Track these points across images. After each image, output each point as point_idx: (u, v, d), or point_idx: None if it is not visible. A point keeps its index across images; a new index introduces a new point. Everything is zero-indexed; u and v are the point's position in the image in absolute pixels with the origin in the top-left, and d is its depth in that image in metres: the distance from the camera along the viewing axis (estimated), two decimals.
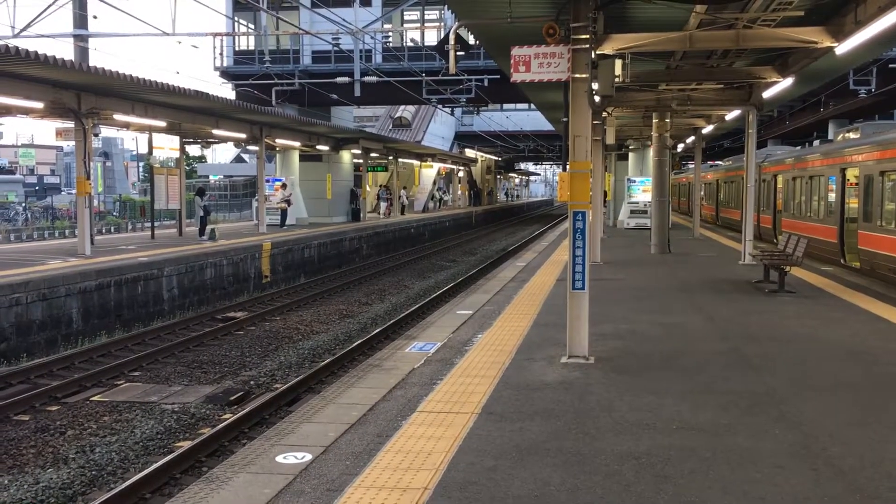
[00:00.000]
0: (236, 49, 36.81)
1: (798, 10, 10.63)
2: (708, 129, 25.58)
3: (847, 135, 20.07)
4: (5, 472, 7.98)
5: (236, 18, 35.88)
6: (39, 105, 16.17)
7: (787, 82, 14.78)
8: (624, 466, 5.06)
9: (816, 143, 26.60)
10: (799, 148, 29.30)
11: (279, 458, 5.24)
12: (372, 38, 33.85)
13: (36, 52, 13.23)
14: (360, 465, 5.09)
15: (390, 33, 37.37)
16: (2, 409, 9.82)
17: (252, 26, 36.79)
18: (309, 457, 5.24)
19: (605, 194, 29.38)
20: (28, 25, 24.39)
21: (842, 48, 10.78)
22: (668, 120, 20.29)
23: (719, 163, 43.21)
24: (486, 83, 32.95)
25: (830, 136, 32.58)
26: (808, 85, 21.41)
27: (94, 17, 26.73)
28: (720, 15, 10.90)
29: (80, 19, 26.55)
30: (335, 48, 33.28)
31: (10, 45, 12.95)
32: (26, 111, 17.08)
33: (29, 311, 12.96)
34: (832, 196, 19.12)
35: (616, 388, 7.04)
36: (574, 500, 4.55)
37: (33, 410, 10.00)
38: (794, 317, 10.74)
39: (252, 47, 36.89)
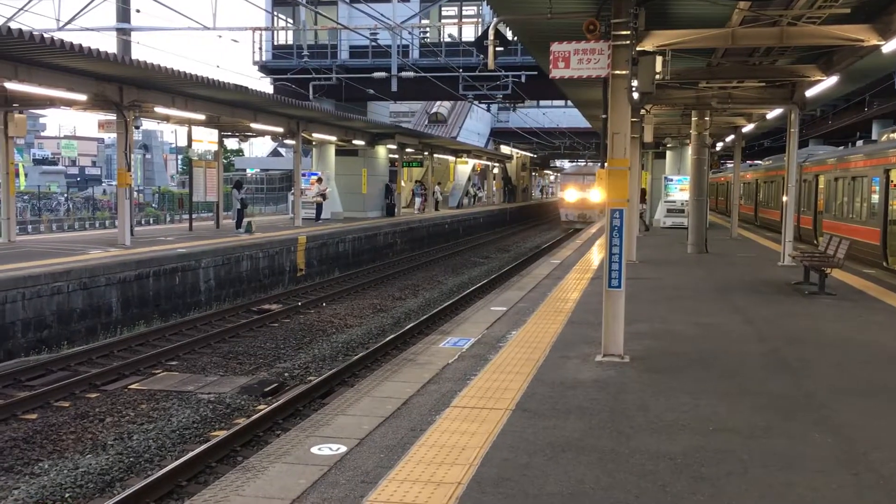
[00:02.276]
0: (275, 44, 37.06)
1: (844, 8, 10.42)
2: (748, 128, 25.20)
3: (891, 135, 19.66)
4: (46, 457, 8.14)
5: (275, 13, 36.12)
6: (83, 97, 16.44)
7: (830, 81, 14.48)
8: (659, 466, 5.01)
9: (859, 143, 26.10)
10: (841, 148, 28.78)
11: (314, 450, 5.27)
12: (409, 33, 33.86)
13: (80, 45, 13.44)
14: (394, 459, 5.11)
15: (428, 28, 37.37)
16: (43, 395, 10.02)
17: (291, 21, 37.02)
18: (343, 449, 5.27)
19: (644, 192, 28.96)
20: (72, 19, 24.81)
21: (888, 46, 10.54)
22: (707, 118, 20.04)
23: (759, 162, 42.62)
24: (523, 79, 32.80)
25: (874, 137, 31.94)
26: (853, 84, 20.98)
27: (137, 10, 27.09)
28: (764, 12, 10.71)
29: (123, 13, 26.92)
30: (373, 43, 33.36)
31: (55, 38, 13.18)
32: (69, 103, 17.38)
33: (70, 299, 13.19)
34: (875, 197, 18.75)
35: (652, 387, 6.98)
36: (609, 498, 4.52)
37: (73, 397, 10.19)
38: (835, 319, 10.56)
39: (290, 42, 37.12)
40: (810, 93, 16.07)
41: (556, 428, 5.76)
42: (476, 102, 44.13)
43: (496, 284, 19.24)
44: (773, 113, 20.53)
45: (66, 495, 7.17)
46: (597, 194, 36.07)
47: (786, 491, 4.66)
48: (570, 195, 43.08)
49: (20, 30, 12.52)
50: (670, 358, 8.16)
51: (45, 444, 8.52)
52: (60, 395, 10.14)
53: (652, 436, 5.62)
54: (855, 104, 35.32)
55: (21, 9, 23.99)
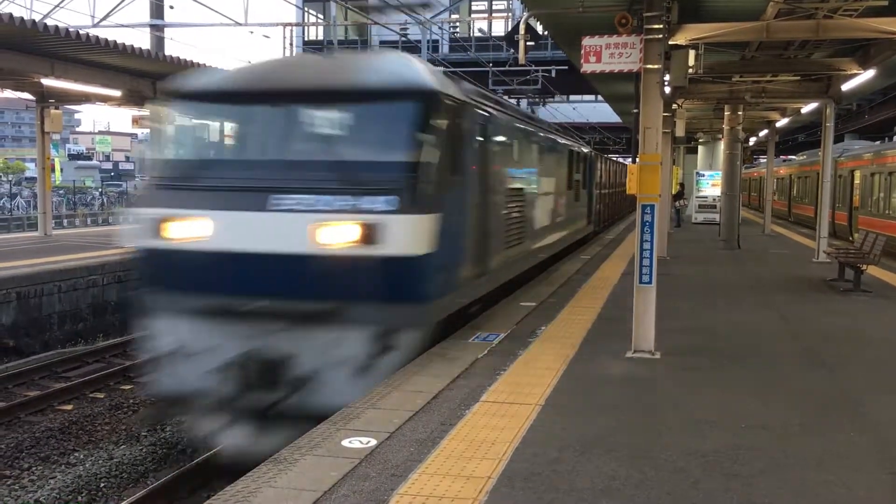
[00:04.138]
0: (305, 39, 37.25)
1: (881, 0, 10.25)
2: (782, 123, 24.86)
3: None
4: (81, 447, 8.28)
5: (306, 9, 36.31)
6: (117, 93, 16.67)
7: (868, 74, 14.24)
8: (691, 463, 4.97)
9: None
10: (878, 143, 28.31)
11: (344, 443, 5.30)
12: (440, 28, 33.86)
13: (115, 42, 13.62)
14: (424, 452, 5.12)
15: (458, 23, 37.34)
16: (79, 386, 10.19)
17: (321, 16, 37.21)
18: (374, 442, 5.29)
19: (682, 187, 28.64)
20: (107, 15, 25.11)
21: None
22: (740, 112, 19.83)
23: (792, 157, 42.06)
24: (553, 74, 32.65)
25: None
26: (891, 77, 20.61)
27: (171, 6, 27.36)
28: (799, 4, 10.56)
29: (157, 9, 27.19)
30: (403, 38, 33.41)
31: (90, 35, 13.36)
32: (104, 99, 17.63)
33: (105, 292, 13.38)
34: None
35: (683, 384, 6.92)
36: (640, 495, 4.49)
37: (108, 388, 10.35)
38: (871, 317, 10.39)
39: (321, 37, 37.30)
40: (846, 87, 15.82)
41: (586, 423, 5.74)
42: (506, 97, 44.04)
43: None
44: (808, 107, 20.23)
45: (101, 485, 7.29)
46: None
47: (820, 489, 4.60)
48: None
49: (56, 26, 12.71)
50: (702, 355, 8.08)
51: (81, 434, 8.67)
52: (96, 387, 10.31)
53: (683, 432, 5.58)
54: (892, 98, 34.64)
55: (57, 5, 24.34)
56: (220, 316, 6.91)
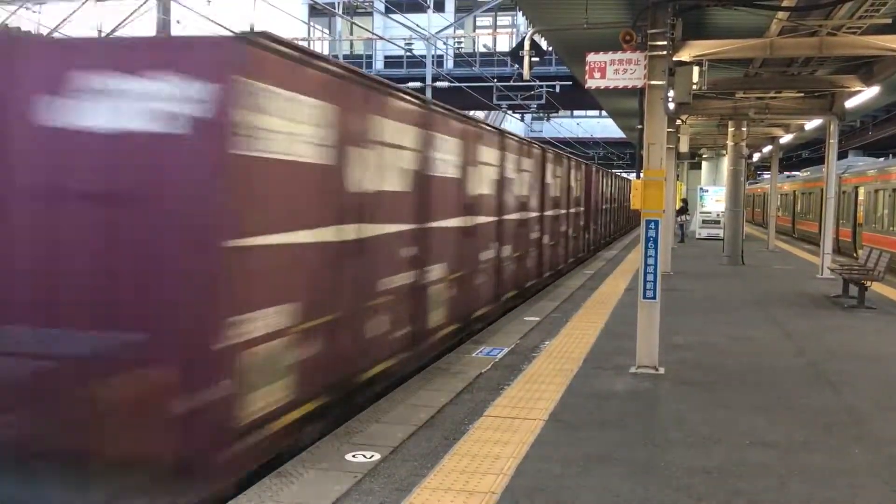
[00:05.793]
0: None
1: (885, 18, 10.29)
2: (786, 139, 24.92)
3: None
4: None
5: (312, 24, 36.53)
6: None
7: (871, 91, 14.29)
8: (695, 480, 4.96)
9: None
10: (882, 159, 28.33)
11: (348, 457, 5.30)
12: (444, 43, 34.02)
13: None
14: (428, 467, 5.12)
15: (462, 39, 37.52)
16: None
17: (327, 31, 37.43)
18: (377, 456, 5.30)
19: (685, 202, 28.62)
20: (114, 30, 25.29)
21: None
22: (744, 128, 19.87)
23: (796, 173, 42.10)
24: (557, 89, 32.74)
25: None
26: (894, 94, 20.68)
27: (178, 21, 27.53)
28: (803, 22, 10.61)
29: (164, 24, 27.38)
30: (407, 53, 33.57)
31: None
32: None
33: None
34: None
35: (686, 400, 6.91)
36: None
37: None
38: (875, 333, 10.38)
39: (326, 52, 37.50)
40: (850, 103, 15.86)
41: (589, 439, 5.74)
42: (510, 112, 44.15)
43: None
44: (812, 123, 20.28)
45: None
46: None
47: None
48: None
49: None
50: (706, 370, 8.08)
51: None
52: None
53: (687, 449, 5.57)
54: None
55: (64, 20, 24.51)
56: None
